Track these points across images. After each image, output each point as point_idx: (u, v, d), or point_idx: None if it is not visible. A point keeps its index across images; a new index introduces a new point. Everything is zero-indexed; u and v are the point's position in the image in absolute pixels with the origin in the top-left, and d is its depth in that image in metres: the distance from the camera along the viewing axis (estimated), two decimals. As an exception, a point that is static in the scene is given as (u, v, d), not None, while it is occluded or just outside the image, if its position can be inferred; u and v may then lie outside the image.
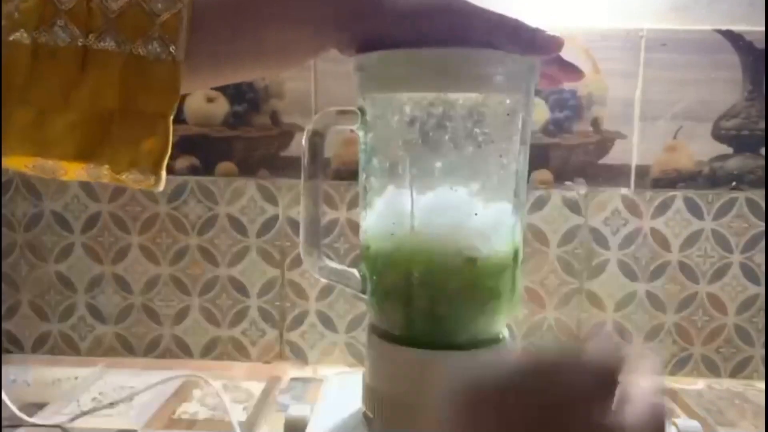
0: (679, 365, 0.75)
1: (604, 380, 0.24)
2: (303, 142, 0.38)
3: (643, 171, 0.72)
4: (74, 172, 0.29)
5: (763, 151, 0.72)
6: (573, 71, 0.40)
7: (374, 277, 0.40)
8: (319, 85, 0.72)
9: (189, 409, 0.63)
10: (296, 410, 0.45)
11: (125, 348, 0.77)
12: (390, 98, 0.37)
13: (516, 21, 0.35)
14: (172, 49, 0.29)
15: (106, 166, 0.29)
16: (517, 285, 0.41)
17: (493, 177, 0.38)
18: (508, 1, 0.35)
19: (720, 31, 0.70)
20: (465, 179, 0.37)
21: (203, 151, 0.74)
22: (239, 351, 0.76)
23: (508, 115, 0.37)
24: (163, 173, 0.31)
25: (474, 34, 0.34)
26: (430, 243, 0.37)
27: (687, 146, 0.72)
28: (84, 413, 0.61)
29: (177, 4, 0.29)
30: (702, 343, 0.74)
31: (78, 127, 0.28)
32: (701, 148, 0.72)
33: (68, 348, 0.77)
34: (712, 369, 0.75)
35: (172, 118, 0.30)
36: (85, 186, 0.74)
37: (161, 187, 0.31)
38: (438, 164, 0.37)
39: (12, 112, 0.27)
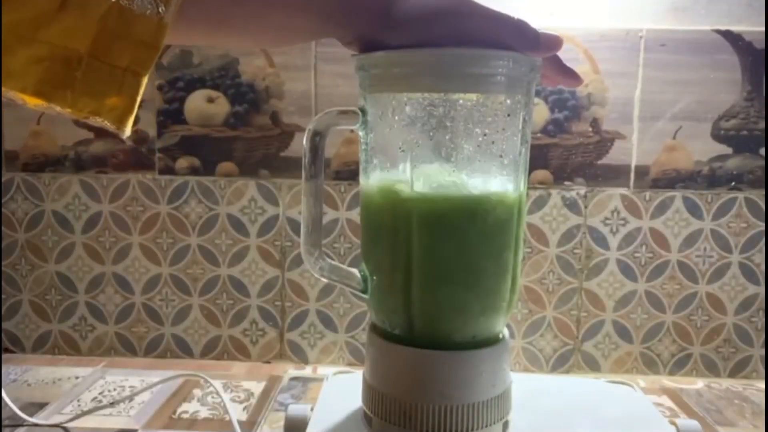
0: (678, 365, 0.75)
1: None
2: (304, 142, 0.38)
3: (642, 171, 0.73)
4: (33, 104, 0.28)
5: (762, 151, 0.72)
6: (572, 76, 0.41)
7: (374, 277, 0.40)
8: (319, 85, 0.72)
9: (189, 408, 0.63)
10: (296, 409, 0.45)
11: (126, 348, 0.77)
12: (391, 98, 0.37)
13: (520, 20, 0.35)
14: (161, 9, 0.28)
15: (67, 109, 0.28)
16: (517, 282, 0.41)
17: (495, 177, 0.38)
18: (508, 1, 0.35)
19: (719, 32, 0.70)
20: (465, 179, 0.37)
21: (204, 152, 0.74)
22: (239, 351, 0.77)
23: (508, 115, 0.37)
24: (128, 127, 0.30)
25: (482, 34, 0.34)
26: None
27: (686, 146, 0.72)
28: (84, 413, 0.61)
29: None
30: (701, 343, 0.74)
31: (41, 63, 0.27)
32: (700, 148, 0.72)
33: (69, 348, 0.77)
34: (711, 368, 0.75)
35: (145, 79, 0.29)
36: (86, 186, 0.75)
37: (125, 135, 0.31)
38: (438, 164, 0.37)
39: None
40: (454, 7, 0.34)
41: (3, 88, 0.27)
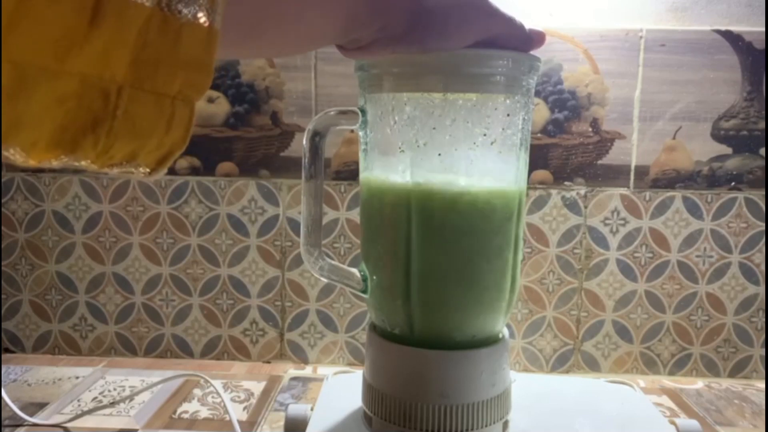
0: (678, 365, 0.75)
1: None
2: (303, 142, 0.38)
3: (642, 171, 0.73)
4: (38, 160, 0.21)
5: (762, 151, 0.72)
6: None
7: (374, 277, 0.40)
8: (319, 85, 0.72)
9: (189, 408, 0.63)
10: (296, 409, 0.45)
11: (126, 347, 0.77)
12: (390, 98, 0.37)
13: (520, 20, 0.35)
14: (207, 11, 0.22)
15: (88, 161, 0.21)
16: (516, 281, 0.41)
17: (494, 176, 0.38)
18: (508, 1, 0.35)
19: (719, 32, 0.70)
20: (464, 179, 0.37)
21: (204, 152, 0.74)
22: (239, 351, 0.77)
23: (507, 115, 0.37)
24: (166, 167, 0.25)
25: (498, 35, 0.34)
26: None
27: (686, 146, 0.72)
28: (84, 413, 0.61)
29: None
30: (701, 343, 0.74)
31: (64, 104, 0.19)
32: (700, 149, 0.72)
33: (69, 348, 0.77)
34: (711, 368, 0.75)
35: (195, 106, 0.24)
36: (86, 186, 0.75)
37: (159, 176, 0.26)
38: (438, 163, 0.37)
39: None
40: (478, 4, 0.33)
41: (3, 146, 0.19)
